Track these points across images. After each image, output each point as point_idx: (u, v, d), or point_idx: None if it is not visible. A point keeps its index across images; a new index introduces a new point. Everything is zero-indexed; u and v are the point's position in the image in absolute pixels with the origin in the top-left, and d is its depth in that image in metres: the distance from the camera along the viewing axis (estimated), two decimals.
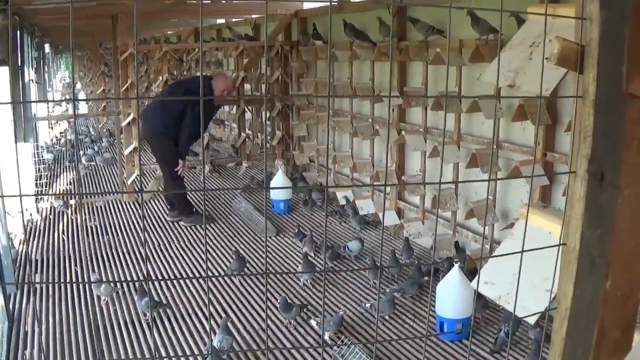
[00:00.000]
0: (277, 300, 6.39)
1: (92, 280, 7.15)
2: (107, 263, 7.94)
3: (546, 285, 2.29)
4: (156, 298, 6.31)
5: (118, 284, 6.98)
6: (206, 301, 6.61)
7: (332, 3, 6.47)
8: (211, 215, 9.82)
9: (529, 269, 2.05)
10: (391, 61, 8.64)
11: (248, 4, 11.96)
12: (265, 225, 2.31)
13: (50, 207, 10.10)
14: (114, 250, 8.35)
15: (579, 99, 1.73)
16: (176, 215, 9.62)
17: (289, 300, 6.29)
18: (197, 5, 12.62)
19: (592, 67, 1.67)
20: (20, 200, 9.72)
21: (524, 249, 1.95)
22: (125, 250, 8.37)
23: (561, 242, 1.84)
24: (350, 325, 6.10)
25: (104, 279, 7.38)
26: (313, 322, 6.08)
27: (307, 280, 7.08)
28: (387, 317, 6.20)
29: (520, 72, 2.41)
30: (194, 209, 9.66)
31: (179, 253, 8.22)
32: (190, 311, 6.43)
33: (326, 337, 5.86)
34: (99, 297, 6.62)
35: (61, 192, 11.91)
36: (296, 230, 8.48)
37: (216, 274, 7.56)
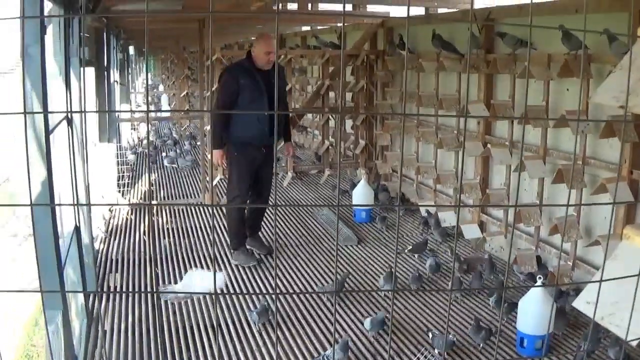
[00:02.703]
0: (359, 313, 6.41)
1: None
2: (185, 265, 8.02)
3: None
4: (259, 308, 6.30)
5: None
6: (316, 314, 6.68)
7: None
8: (270, 246, 8.50)
9: (630, 290, 2.04)
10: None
11: (334, 13, 12.07)
12: (396, 242, 2.33)
13: (131, 208, 10.24)
14: (193, 253, 8.43)
15: None
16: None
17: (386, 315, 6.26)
18: (283, 12, 12.78)
19: None
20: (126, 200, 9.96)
21: (631, 271, 1.94)
22: (203, 254, 8.43)
23: None
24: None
25: (183, 281, 7.48)
26: (430, 335, 6.01)
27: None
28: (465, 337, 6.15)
29: (633, 94, 2.39)
30: (245, 244, 8.28)
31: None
32: (298, 323, 6.47)
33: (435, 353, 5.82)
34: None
35: (142, 193, 12.09)
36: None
37: (302, 288, 7.58)
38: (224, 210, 8.53)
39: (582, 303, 2.55)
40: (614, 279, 1.89)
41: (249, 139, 7.80)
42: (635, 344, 2.92)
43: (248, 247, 8.25)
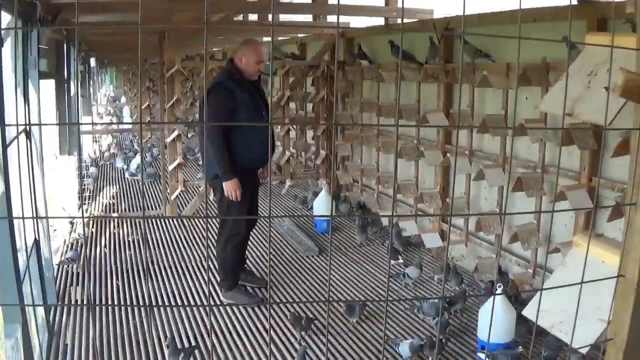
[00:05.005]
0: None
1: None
2: (150, 276, 7.96)
3: (598, 315, 2.28)
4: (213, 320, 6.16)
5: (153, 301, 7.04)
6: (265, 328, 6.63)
7: None
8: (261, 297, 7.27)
9: (580, 298, 2.04)
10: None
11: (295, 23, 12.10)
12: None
13: (92, 220, 10.17)
14: (154, 265, 8.38)
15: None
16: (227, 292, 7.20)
17: None
18: (243, 23, 12.79)
19: None
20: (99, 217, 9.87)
21: (579, 279, 1.94)
22: (164, 265, 8.38)
23: (619, 274, 1.83)
24: None
25: (144, 291, 7.43)
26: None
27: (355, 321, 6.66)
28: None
29: (579, 101, 2.39)
30: (239, 282, 7.30)
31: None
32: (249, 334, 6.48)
33: None
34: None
35: (104, 205, 11.98)
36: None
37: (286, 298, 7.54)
38: (215, 243, 7.29)
39: (532, 311, 2.55)
40: (554, 287, 1.89)
41: (251, 162, 6.81)
42: (584, 351, 2.92)
43: (241, 283, 7.33)
